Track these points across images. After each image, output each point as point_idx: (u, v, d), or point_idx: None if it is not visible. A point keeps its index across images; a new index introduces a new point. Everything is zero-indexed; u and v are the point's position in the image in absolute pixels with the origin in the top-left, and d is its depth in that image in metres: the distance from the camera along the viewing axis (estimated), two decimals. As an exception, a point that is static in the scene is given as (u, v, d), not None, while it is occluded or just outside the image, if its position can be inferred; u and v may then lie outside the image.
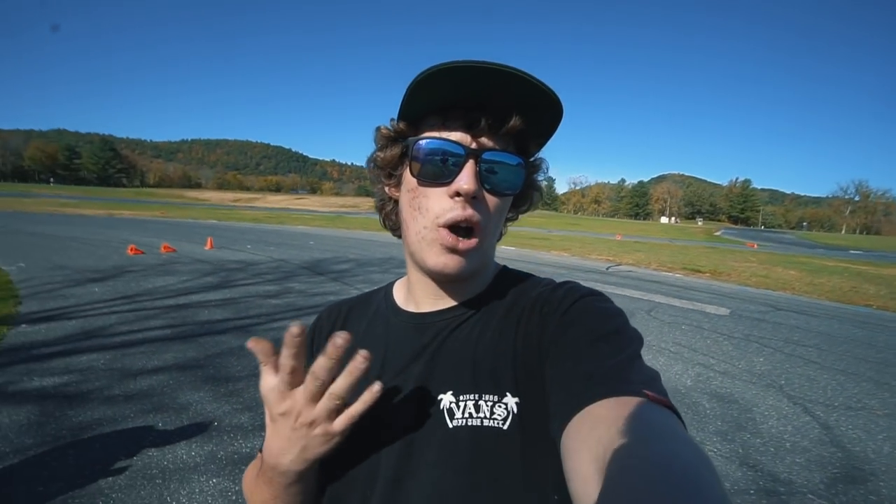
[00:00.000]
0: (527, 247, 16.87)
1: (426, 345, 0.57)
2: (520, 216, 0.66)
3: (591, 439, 0.37)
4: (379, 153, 0.58)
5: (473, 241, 0.52)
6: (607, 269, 11.79)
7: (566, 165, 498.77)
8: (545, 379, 0.49)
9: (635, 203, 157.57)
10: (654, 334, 5.51)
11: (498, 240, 0.63)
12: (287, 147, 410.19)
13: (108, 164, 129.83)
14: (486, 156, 0.51)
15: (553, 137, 0.56)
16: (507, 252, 14.37)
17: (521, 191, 0.57)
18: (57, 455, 2.43)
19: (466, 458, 0.49)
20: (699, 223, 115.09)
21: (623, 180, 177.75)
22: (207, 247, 11.09)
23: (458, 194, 0.50)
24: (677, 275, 11.44)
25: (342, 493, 0.56)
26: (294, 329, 0.42)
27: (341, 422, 0.47)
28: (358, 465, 0.55)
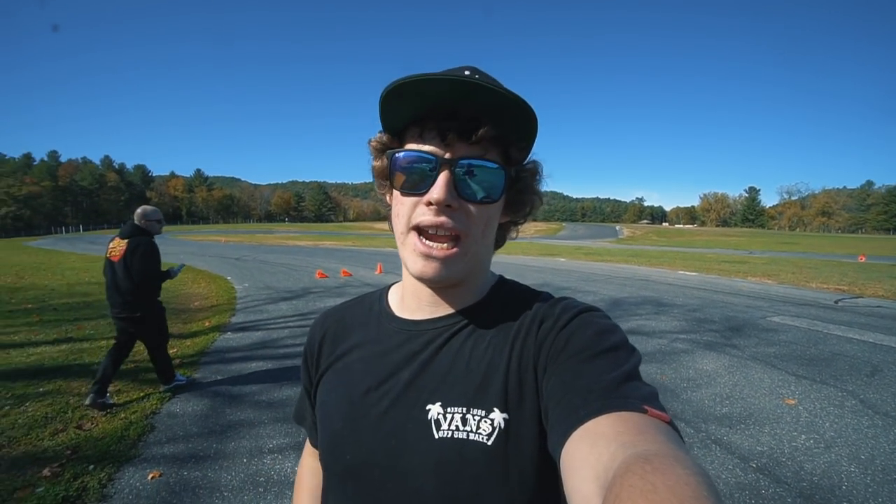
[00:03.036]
0: (714, 272, 13.82)
1: (417, 352, 0.58)
2: (520, 223, 0.64)
3: (591, 457, 0.37)
4: (374, 163, 0.60)
5: (453, 251, 0.52)
6: (837, 302, 8.63)
7: (773, 175, 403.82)
8: (542, 395, 0.50)
9: (893, 212, 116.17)
10: (918, 405, 3.64)
11: (498, 247, 0.64)
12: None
13: (321, 205, 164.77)
14: (460, 163, 0.51)
15: (536, 142, 0.57)
16: (688, 278, 12.09)
17: (514, 196, 0.58)
18: (202, 445, 2.85)
19: (449, 471, 0.50)
20: None
21: (870, 183, 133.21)
22: (377, 272, 12.54)
23: (431, 203, 0.52)
24: (973, 314, 7.63)
25: (328, 489, 0.60)
26: None
27: None
28: (339, 464, 0.57)
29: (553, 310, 0.55)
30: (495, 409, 0.51)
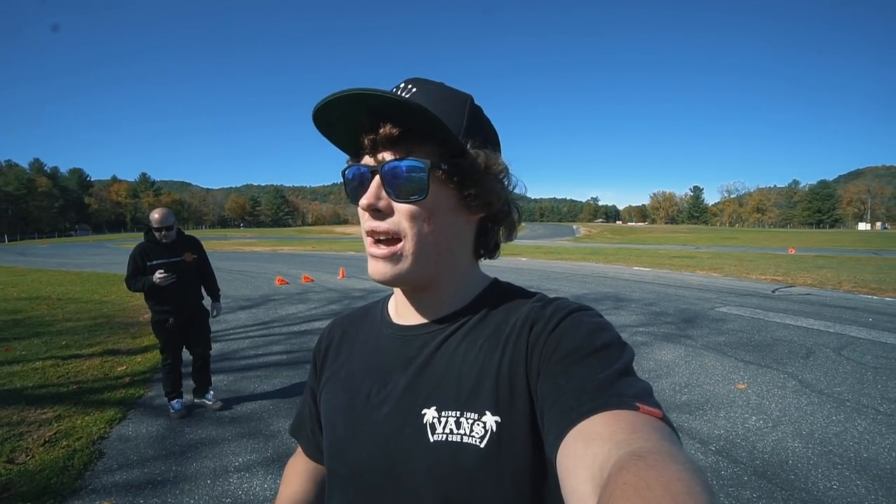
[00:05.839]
0: (666, 267, 14.63)
1: (412, 357, 0.59)
2: (502, 221, 0.63)
3: (586, 457, 0.37)
4: None
5: (386, 250, 0.55)
6: (774, 291, 9.39)
7: (715, 174, 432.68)
8: (536, 397, 0.50)
9: (815, 208, 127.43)
10: (847, 383, 4.01)
11: (486, 250, 0.64)
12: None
13: (279, 209, 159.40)
14: (384, 168, 0.54)
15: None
16: (643, 273, 12.69)
17: (459, 189, 0.57)
18: (160, 468, 2.67)
19: (445, 473, 0.51)
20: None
21: (796, 182, 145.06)
22: (340, 276, 12.26)
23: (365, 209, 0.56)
24: (888, 298, 8.51)
25: (331, 492, 0.62)
26: None
27: None
28: (343, 468, 0.59)
29: (544, 312, 0.56)
30: (487, 412, 0.52)
